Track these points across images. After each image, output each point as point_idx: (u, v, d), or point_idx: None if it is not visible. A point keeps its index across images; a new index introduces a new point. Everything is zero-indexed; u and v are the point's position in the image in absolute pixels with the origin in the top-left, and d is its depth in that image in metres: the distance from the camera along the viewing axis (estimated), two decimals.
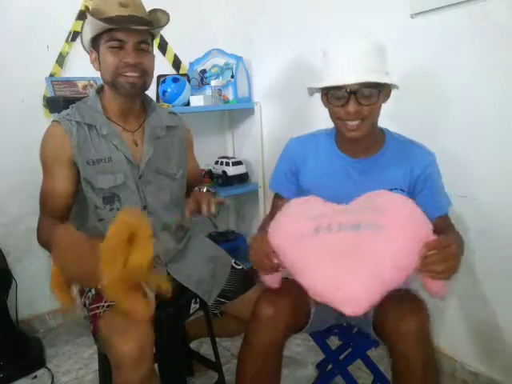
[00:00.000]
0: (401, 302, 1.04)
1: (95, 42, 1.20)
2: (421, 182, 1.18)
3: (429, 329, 1.01)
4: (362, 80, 1.04)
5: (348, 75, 1.05)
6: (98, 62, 1.21)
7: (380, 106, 1.12)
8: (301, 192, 1.31)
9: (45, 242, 1.13)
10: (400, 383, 1.04)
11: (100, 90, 1.27)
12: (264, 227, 1.24)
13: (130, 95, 1.21)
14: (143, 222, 1.00)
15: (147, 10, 1.24)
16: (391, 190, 1.18)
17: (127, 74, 1.17)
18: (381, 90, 1.08)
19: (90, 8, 1.18)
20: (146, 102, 1.32)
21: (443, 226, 1.16)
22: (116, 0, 1.15)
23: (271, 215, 1.33)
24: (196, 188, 1.35)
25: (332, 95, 1.10)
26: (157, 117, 1.32)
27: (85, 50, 1.26)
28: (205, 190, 1.36)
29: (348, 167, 1.21)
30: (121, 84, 1.18)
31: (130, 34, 1.15)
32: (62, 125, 1.18)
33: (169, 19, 1.24)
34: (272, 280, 1.10)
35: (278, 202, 1.35)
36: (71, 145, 1.18)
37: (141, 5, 1.22)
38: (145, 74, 1.20)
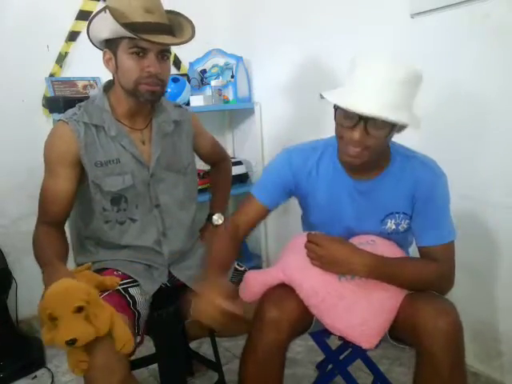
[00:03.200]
0: (434, 302, 1.02)
1: (111, 43, 1.16)
2: (421, 204, 1.10)
3: (462, 332, 0.99)
4: (377, 115, 0.94)
5: (365, 103, 0.94)
6: (113, 65, 1.18)
7: (389, 138, 1.05)
8: (301, 207, 1.29)
9: (36, 258, 1.12)
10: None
11: (107, 89, 1.25)
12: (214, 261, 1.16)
13: (149, 102, 1.21)
14: (65, 296, 0.93)
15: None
16: (392, 213, 1.13)
17: (148, 82, 1.15)
18: (395, 126, 0.99)
19: (109, 7, 1.10)
20: (156, 102, 1.29)
21: (437, 257, 1.09)
22: (140, 4, 1.11)
23: (228, 236, 1.23)
24: (213, 219, 1.47)
25: (341, 113, 1.01)
26: (164, 112, 1.31)
27: (93, 44, 1.22)
28: (220, 222, 1.46)
29: (351, 189, 1.15)
30: (141, 93, 1.16)
31: (154, 43, 1.12)
32: (70, 125, 1.17)
33: (194, 30, 1.21)
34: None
35: (254, 211, 1.24)
36: (78, 146, 1.16)
37: (163, 9, 1.18)
38: (163, 82, 1.19)
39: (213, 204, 1.55)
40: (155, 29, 1.12)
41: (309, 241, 1.09)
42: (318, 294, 1.08)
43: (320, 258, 1.07)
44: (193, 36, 1.21)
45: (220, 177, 1.61)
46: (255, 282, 1.15)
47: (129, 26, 1.09)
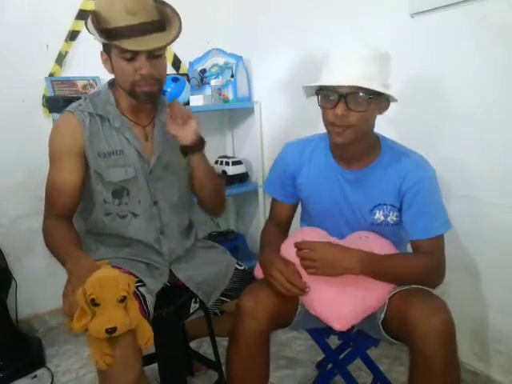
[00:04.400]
0: (426, 300, 1.03)
1: (105, 45, 1.16)
2: (409, 198, 1.12)
3: (454, 330, 0.99)
4: (352, 83, 1.02)
5: (340, 77, 1.04)
6: (110, 65, 1.18)
7: (372, 116, 1.10)
8: (298, 199, 1.34)
9: (53, 250, 1.12)
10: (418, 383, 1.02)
11: (112, 85, 1.25)
12: (271, 245, 1.24)
13: (146, 102, 1.21)
14: (115, 284, 0.95)
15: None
16: (380, 205, 1.17)
17: (143, 84, 1.14)
18: (372, 98, 1.04)
19: (95, 12, 1.11)
20: (156, 99, 1.30)
21: (425, 250, 1.12)
22: (122, 6, 1.08)
23: (273, 227, 1.35)
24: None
25: (324, 96, 1.09)
26: (167, 113, 1.30)
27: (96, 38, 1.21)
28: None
29: (340, 179, 1.20)
30: (137, 94, 1.16)
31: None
32: (76, 115, 1.17)
33: (180, 25, 1.18)
34: None
35: (277, 208, 1.36)
36: (84, 136, 1.17)
37: (150, 6, 1.13)
38: (159, 81, 1.18)
39: None
40: (139, 30, 1.10)
41: (299, 248, 1.11)
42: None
43: (315, 262, 1.08)
44: (178, 33, 1.17)
45: None
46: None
47: (111, 32, 1.09)
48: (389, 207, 1.17)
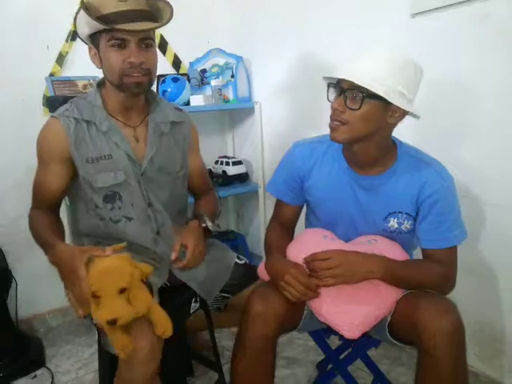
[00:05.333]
0: (435, 301, 1.02)
1: (94, 38, 1.16)
2: (427, 207, 1.10)
3: (464, 331, 0.99)
4: (344, 77, 1.01)
5: (344, 72, 1.03)
6: (98, 60, 1.18)
7: (371, 118, 1.03)
8: (304, 201, 1.30)
9: (36, 237, 1.15)
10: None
11: (101, 85, 1.24)
12: (277, 250, 1.22)
13: (136, 94, 1.19)
14: (116, 275, 0.96)
15: None
16: (395, 213, 1.14)
17: (132, 74, 1.13)
18: (366, 98, 1.00)
19: (85, 3, 1.12)
20: (149, 97, 1.29)
21: (439, 260, 1.10)
22: None
23: (277, 228, 1.31)
24: (203, 219, 1.29)
25: (331, 90, 1.09)
26: (161, 112, 1.29)
27: (82, 41, 1.22)
28: (209, 225, 1.29)
29: (353, 184, 1.16)
30: (127, 85, 1.15)
31: (132, 32, 1.11)
32: (60, 121, 1.17)
33: (172, 13, 1.17)
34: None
35: (282, 209, 1.32)
36: (68, 142, 1.16)
37: None
38: (149, 72, 1.16)
39: (199, 210, 1.39)
40: (130, 17, 1.10)
41: (312, 260, 1.07)
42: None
43: (335, 270, 1.04)
44: (169, 19, 1.17)
45: (207, 201, 1.45)
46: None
47: (101, 18, 1.10)
48: (404, 215, 1.13)
